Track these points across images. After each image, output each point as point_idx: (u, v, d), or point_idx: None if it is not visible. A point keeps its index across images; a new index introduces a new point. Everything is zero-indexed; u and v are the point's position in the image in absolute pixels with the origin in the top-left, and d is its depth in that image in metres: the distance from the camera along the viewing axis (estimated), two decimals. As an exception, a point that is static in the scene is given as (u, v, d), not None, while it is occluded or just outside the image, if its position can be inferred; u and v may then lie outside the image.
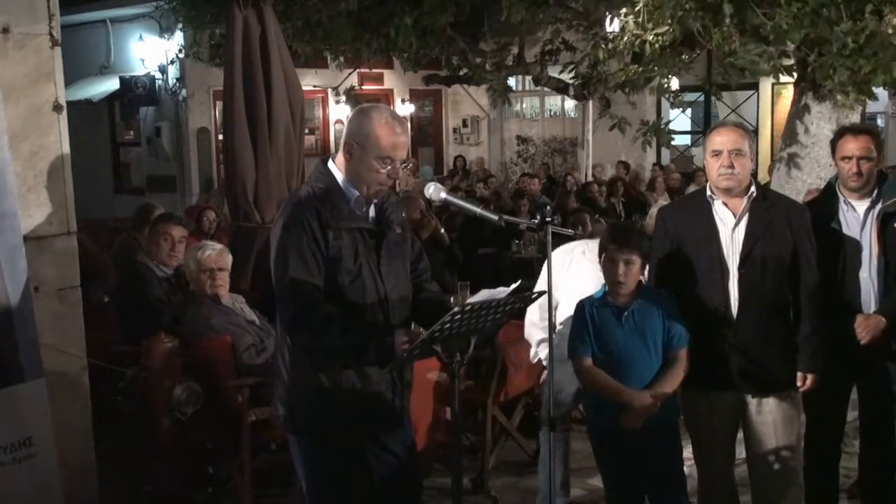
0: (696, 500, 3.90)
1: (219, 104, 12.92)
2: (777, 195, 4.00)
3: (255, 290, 5.71)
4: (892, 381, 4.07)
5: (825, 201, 4.16)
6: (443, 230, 7.40)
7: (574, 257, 4.49)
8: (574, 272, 4.41)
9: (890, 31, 5.98)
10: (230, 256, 5.03)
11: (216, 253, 4.96)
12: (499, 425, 5.29)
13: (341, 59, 11.29)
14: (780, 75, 7.34)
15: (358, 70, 13.62)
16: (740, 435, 3.82)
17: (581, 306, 3.73)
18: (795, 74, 7.55)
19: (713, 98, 11.43)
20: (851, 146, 4.03)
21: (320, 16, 9.38)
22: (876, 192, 4.05)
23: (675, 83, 12.24)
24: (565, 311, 4.13)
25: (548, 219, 3.22)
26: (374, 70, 14.74)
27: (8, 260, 3.46)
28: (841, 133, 4.17)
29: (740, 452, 3.87)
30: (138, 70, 14.90)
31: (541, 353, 4.63)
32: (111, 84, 15.02)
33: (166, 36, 14.25)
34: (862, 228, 4.03)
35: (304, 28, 9.48)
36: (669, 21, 7.05)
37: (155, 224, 5.89)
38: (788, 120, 7.84)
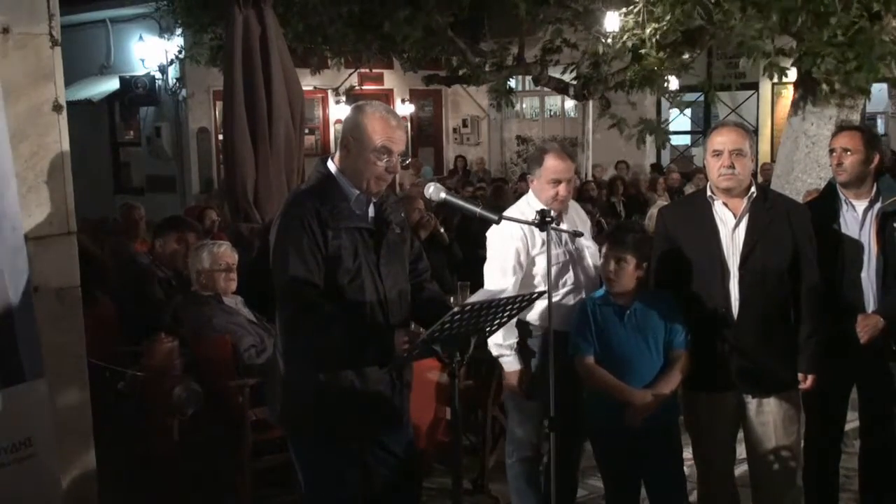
0: (696, 499, 3.90)
1: (219, 104, 12.92)
2: (777, 195, 4.00)
3: (254, 290, 5.70)
4: (892, 381, 4.07)
5: (825, 201, 4.16)
6: (442, 230, 7.42)
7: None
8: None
9: (877, 28, 6.04)
10: (236, 254, 5.04)
11: (229, 249, 4.97)
12: (499, 425, 5.28)
13: (341, 60, 11.29)
14: (777, 75, 7.36)
15: (358, 70, 13.62)
16: (740, 435, 3.82)
17: (584, 304, 3.74)
18: (793, 73, 7.57)
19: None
20: (835, 140, 4.11)
21: (321, 18, 9.37)
22: (874, 191, 4.06)
23: (674, 83, 12.26)
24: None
25: (548, 219, 3.22)
26: (374, 70, 14.74)
27: (9, 260, 3.46)
28: (835, 131, 4.22)
29: (740, 452, 3.87)
30: (138, 70, 14.91)
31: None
32: (111, 84, 15.03)
33: (166, 36, 14.26)
34: (861, 228, 4.03)
35: (304, 32, 9.47)
36: (668, 17, 7.07)
37: (169, 228, 5.83)
38: (788, 120, 7.85)
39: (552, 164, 4.01)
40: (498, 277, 3.99)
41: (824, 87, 6.78)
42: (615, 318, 3.64)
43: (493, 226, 3.90)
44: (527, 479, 4.15)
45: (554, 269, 3.90)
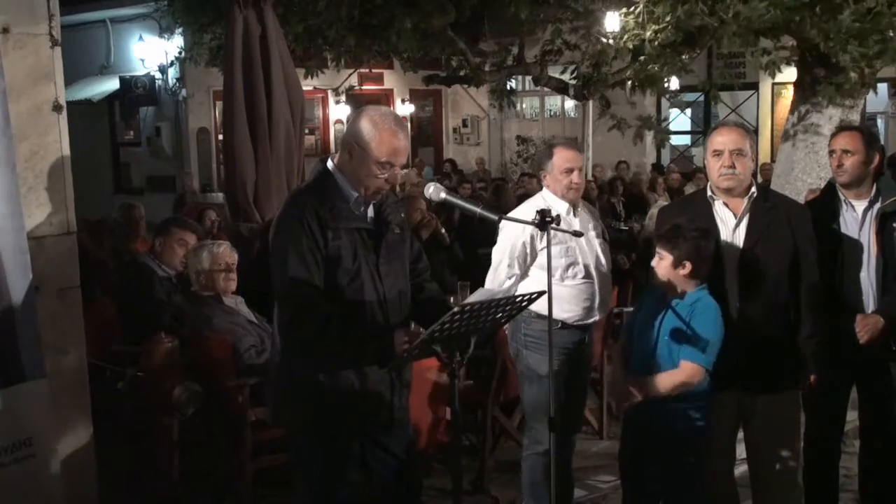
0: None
1: (219, 104, 12.93)
2: (778, 196, 4.00)
3: (254, 290, 5.69)
4: (892, 381, 4.07)
5: (826, 201, 4.16)
6: (443, 230, 7.41)
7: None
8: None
9: (895, 11, 6.04)
10: (236, 254, 5.04)
11: (228, 248, 4.97)
12: (499, 425, 5.29)
13: (341, 62, 11.28)
14: (777, 71, 7.37)
15: (358, 70, 13.63)
16: (740, 435, 3.82)
17: (651, 286, 3.77)
18: (795, 70, 7.56)
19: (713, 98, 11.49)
20: (835, 141, 4.10)
21: (320, 21, 9.36)
22: (874, 191, 4.06)
23: (675, 83, 12.26)
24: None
25: (548, 219, 3.22)
26: (374, 70, 14.74)
27: (12, 260, 3.46)
28: (834, 132, 4.22)
29: (740, 452, 3.88)
30: (138, 70, 14.92)
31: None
32: (111, 84, 15.05)
33: (166, 36, 14.26)
34: (860, 228, 4.03)
35: (303, 34, 9.46)
36: (668, 19, 7.05)
37: (170, 228, 5.82)
38: (788, 120, 7.84)
39: (563, 153, 4.22)
40: (503, 268, 4.21)
41: (853, 75, 6.77)
42: (653, 307, 3.63)
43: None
44: (543, 472, 4.17)
45: (564, 262, 4.11)
